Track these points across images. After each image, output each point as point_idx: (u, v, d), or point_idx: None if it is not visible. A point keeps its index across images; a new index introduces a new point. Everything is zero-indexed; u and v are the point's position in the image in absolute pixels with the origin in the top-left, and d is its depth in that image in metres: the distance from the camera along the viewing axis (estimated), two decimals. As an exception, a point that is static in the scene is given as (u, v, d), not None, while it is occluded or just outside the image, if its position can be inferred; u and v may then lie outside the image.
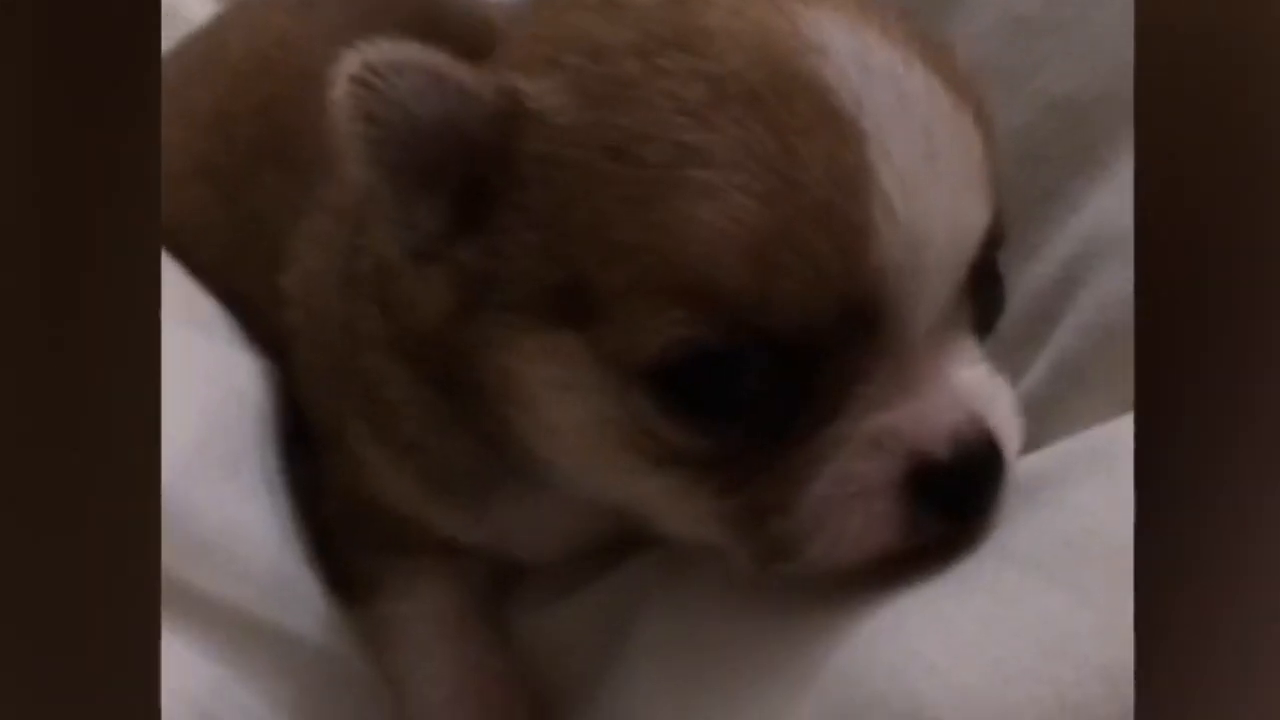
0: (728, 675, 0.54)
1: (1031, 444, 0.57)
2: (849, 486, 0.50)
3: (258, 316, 0.78)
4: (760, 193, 0.48)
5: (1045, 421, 0.59)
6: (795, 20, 0.51)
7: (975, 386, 0.52)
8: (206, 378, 0.69)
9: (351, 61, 0.51)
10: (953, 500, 0.51)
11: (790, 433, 0.51)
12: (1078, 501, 0.50)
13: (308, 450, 0.73)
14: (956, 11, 0.75)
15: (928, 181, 0.50)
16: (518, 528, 0.66)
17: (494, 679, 0.67)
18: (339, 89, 0.51)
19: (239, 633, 0.63)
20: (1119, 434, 0.53)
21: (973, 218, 0.52)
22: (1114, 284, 0.60)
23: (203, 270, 0.82)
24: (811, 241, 0.48)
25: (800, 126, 0.49)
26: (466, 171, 0.53)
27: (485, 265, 0.54)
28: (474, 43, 0.59)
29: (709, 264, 0.48)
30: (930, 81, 0.51)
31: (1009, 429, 0.53)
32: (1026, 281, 0.67)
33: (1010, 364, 0.64)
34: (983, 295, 0.55)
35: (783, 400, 0.50)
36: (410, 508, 0.67)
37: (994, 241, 0.54)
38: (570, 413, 0.54)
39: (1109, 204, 0.64)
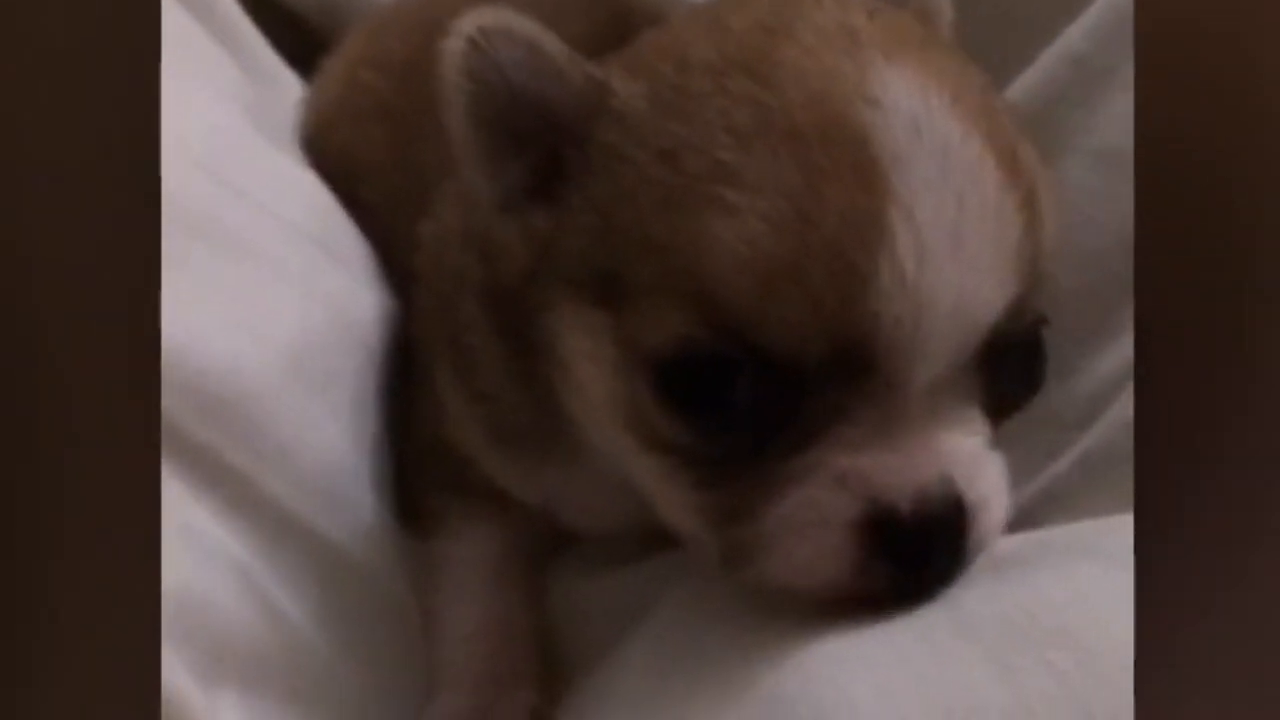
0: (685, 677, 0.57)
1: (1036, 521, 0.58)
2: (807, 513, 0.53)
3: (399, 259, 0.84)
4: (776, 221, 0.51)
5: (1053, 518, 0.60)
6: (864, 69, 0.54)
7: (960, 454, 0.54)
8: (323, 299, 0.76)
9: (468, 21, 0.58)
10: (906, 555, 0.53)
11: (770, 449, 0.54)
12: (1036, 584, 0.51)
13: (408, 390, 0.79)
14: (1090, 102, 0.75)
15: (944, 250, 0.52)
16: (565, 494, 0.72)
17: (514, 629, 0.72)
18: (452, 44, 0.58)
19: (285, 531, 0.68)
20: (1105, 530, 0.54)
21: (988, 295, 0.53)
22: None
23: (367, 207, 0.89)
24: (813, 277, 0.51)
25: (830, 169, 0.52)
26: (549, 145, 0.59)
27: (552, 234, 0.59)
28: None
29: (720, 277, 0.52)
30: (983, 158, 0.53)
31: (990, 503, 0.55)
32: (1100, 362, 0.67)
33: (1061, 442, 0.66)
34: (1004, 372, 0.56)
35: (768, 417, 0.54)
36: (475, 454, 0.73)
37: (1018, 322, 0.55)
38: (594, 384, 0.59)
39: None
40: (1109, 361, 0.67)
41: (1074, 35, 0.80)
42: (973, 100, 0.55)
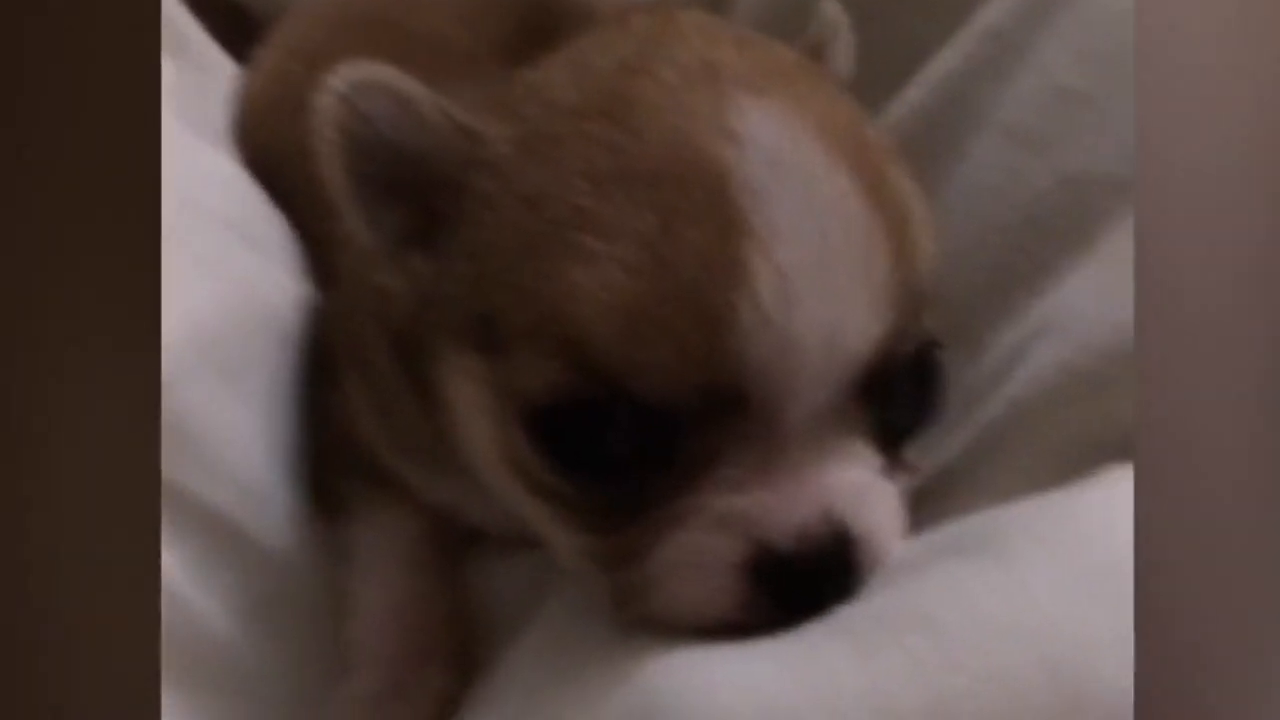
0: (568, 669, 0.57)
1: (939, 513, 0.59)
2: (690, 556, 0.53)
3: (324, 255, 0.84)
4: (633, 266, 0.51)
5: (955, 494, 0.60)
6: (722, 105, 0.54)
7: (844, 487, 0.54)
8: (238, 284, 0.76)
9: (338, 76, 0.58)
10: (790, 593, 0.53)
11: (651, 493, 0.54)
12: (912, 585, 0.51)
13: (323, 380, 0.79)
14: (1002, 75, 0.75)
15: (809, 285, 0.51)
16: (469, 502, 0.72)
17: (427, 609, 0.72)
18: (323, 98, 0.58)
19: (207, 532, 0.69)
20: (987, 524, 0.54)
21: (860, 328, 0.53)
22: (1044, 360, 0.60)
23: (292, 200, 0.89)
24: (674, 321, 0.51)
25: (687, 210, 0.51)
26: (425, 195, 0.59)
27: (433, 281, 0.60)
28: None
29: (584, 325, 0.52)
30: (848, 188, 0.53)
31: (879, 533, 0.55)
32: (997, 351, 0.67)
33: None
34: (894, 400, 0.56)
35: (646, 462, 0.54)
36: (381, 455, 0.74)
37: (901, 350, 0.55)
38: (478, 431, 0.59)
39: (1077, 283, 0.63)
40: (1010, 336, 0.66)
41: (993, 10, 0.79)
42: (839, 130, 0.55)
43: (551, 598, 0.66)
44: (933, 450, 0.66)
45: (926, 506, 0.61)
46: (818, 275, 0.51)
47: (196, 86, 0.98)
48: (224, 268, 0.75)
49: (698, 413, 0.52)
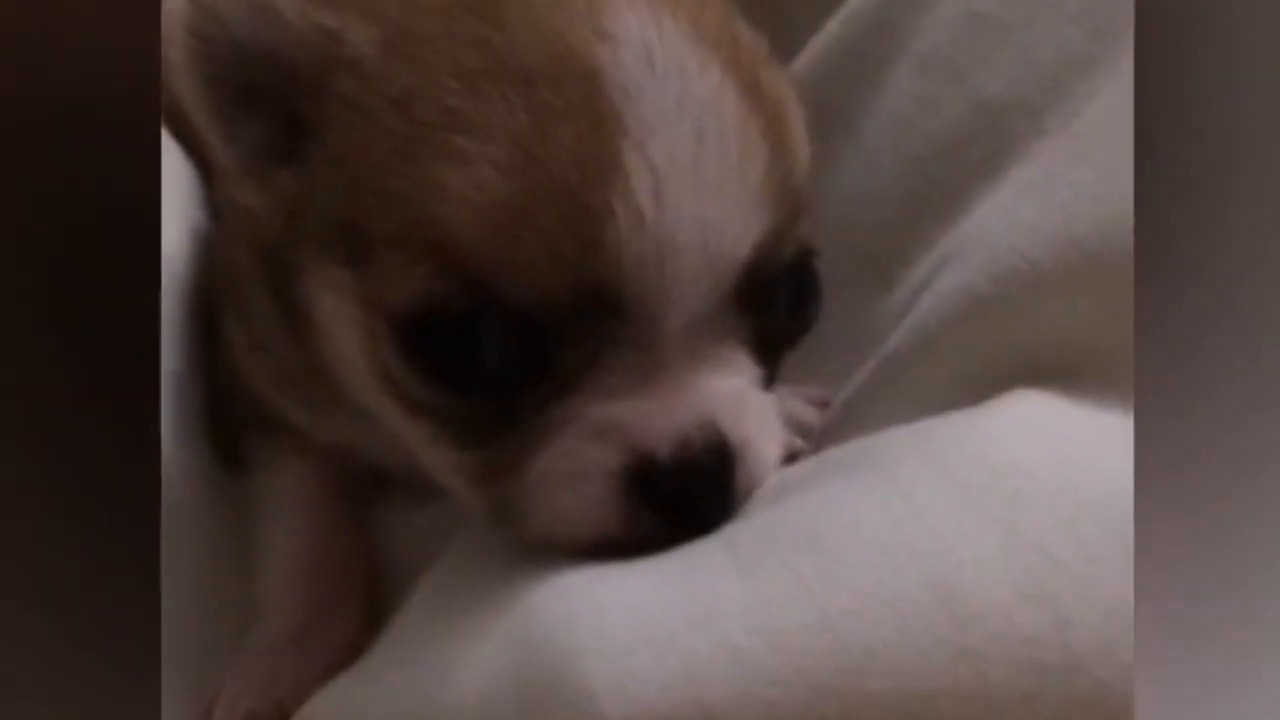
0: (460, 598, 0.56)
1: (843, 439, 0.57)
2: (567, 464, 0.52)
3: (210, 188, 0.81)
4: (505, 166, 0.50)
5: (857, 425, 0.59)
6: (597, 4, 0.52)
7: (723, 396, 0.53)
8: None
9: None
10: (670, 502, 0.51)
11: (526, 403, 0.52)
12: (799, 502, 0.50)
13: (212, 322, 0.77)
14: (920, 5, 0.73)
15: (684, 184, 0.50)
16: (358, 440, 0.70)
17: (333, 555, 0.71)
18: (175, 3, 0.55)
19: None
20: (878, 443, 0.53)
21: (737, 229, 0.52)
22: (946, 285, 0.59)
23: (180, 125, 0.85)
24: (545, 220, 0.49)
25: (560, 108, 0.50)
26: (286, 100, 0.56)
27: (297, 193, 0.57)
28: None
29: (454, 227, 0.50)
30: (722, 87, 0.52)
31: (757, 443, 0.54)
32: (908, 285, 0.66)
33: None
34: (772, 308, 0.55)
35: (519, 370, 0.52)
36: (265, 396, 0.71)
37: (779, 255, 0.54)
38: (347, 348, 0.57)
39: (983, 211, 0.62)
40: (921, 269, 0.65)
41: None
42: (712, 28, 0.53)
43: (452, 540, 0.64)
44: (842, 385, 0.64)
45: (831, 440, 0.60)
46: (693, 173, 0.50)
47: None
48: None
49: (572, 317, 0.51)
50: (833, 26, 0.80)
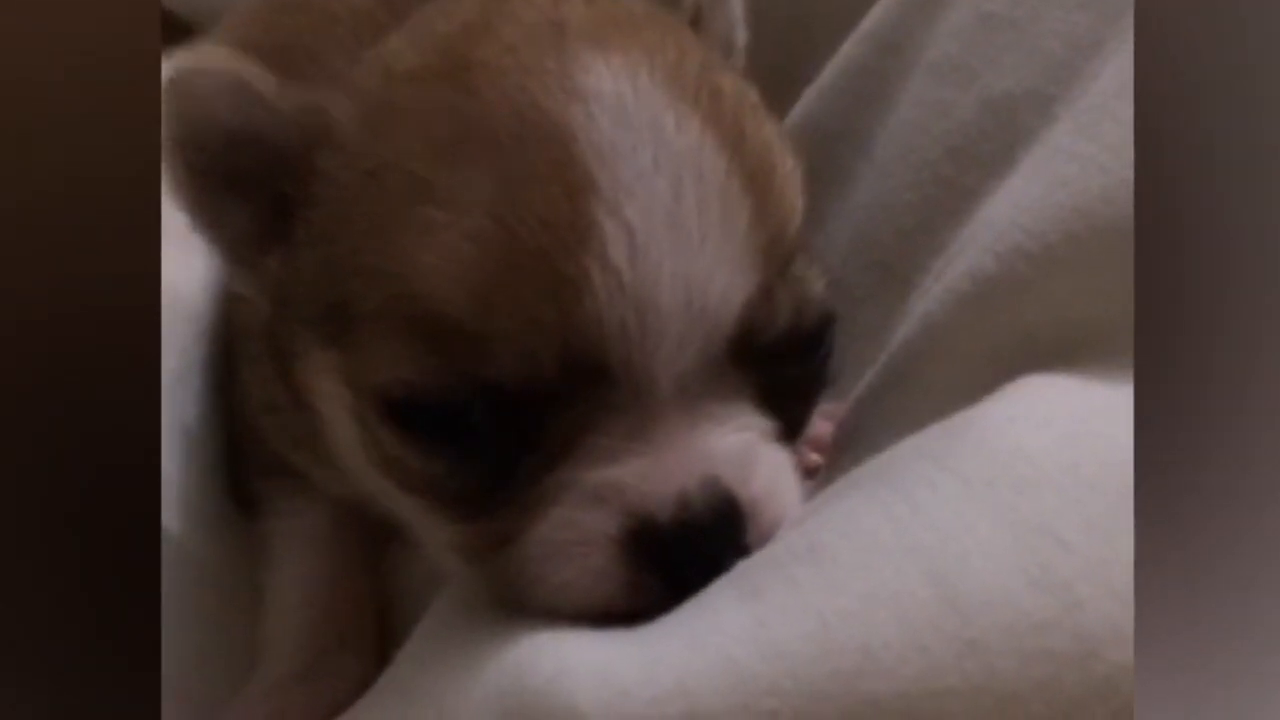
0: (453, 635, 0.54)
1: (848, 448, 0.55)
2: (566, 533, 0.49)
3: None
4: (475, 235, 0.48)
5: (868, 417, 0.57)
6: (567, 62, 0.51)
7: (726, 453, 0.50)
8: None
9: (169, 66, 0.54)
10: (673, 565, 0.49)
11: (521, 472, 0.50)
12: (807, 522, 0.48)
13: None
14: (930, 15, 0.72)
15: (663, 243, 0.48)
16: (368, 498, 0.68)
17: (342, 600, 0.69)
18: (164, 91, 0.54)
19: None
20: (885, 456, 0.50)
21: (722, 285, 0.50)
22: (956, 272, 0.56)
23: None
24: (522, 289, 0.48)
25: (530, 173, 0.48)
26: (272, 183, 0.55)
27: (284, 275, 0.56)
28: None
29: (433, 300, 0.49)
30: (702, 141, 0.50)
31: (773, 498, 0.51)
32: (923, 288, 0.63)
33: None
34: (783, 364, 0.53)
35: (513, 438, 0.50)
36: (280, 450, 0.70)
37: (778, 311, 0.52)
38: (340, 427, 0.56)
39: (994, 202, 0.59)
40: (934, 274, 0.62)
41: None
42: (692, 80, 0.52)
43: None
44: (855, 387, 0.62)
45: (844, 442, 0.58)
46: (671, 232, 0.48)
47: None
48: None
49: (559, 385, 0.49)
50: (846, 48, 0.79)
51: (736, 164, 0.50)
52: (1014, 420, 0.46)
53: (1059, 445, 0.44)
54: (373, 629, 0.68)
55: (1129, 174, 0.47)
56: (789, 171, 0.54)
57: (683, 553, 0.49)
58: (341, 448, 0.57)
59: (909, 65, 0.73)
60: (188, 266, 0.77)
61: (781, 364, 0.53)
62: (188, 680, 0.65)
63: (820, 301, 0.55)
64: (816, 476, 0.59)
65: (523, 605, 0.50)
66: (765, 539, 0.50)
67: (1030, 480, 0.43)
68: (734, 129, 0.52)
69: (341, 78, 0.57)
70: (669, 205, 0.48)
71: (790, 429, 0.55)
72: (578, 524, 0.49)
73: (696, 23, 0.64)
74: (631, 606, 0.49)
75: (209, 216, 0.57)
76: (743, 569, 0.47)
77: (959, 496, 0.44)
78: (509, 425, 0.50)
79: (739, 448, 0.51)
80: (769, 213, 0.51)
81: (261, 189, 0.56)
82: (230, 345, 0.75)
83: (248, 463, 0.74)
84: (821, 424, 0.64)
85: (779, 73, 0.86)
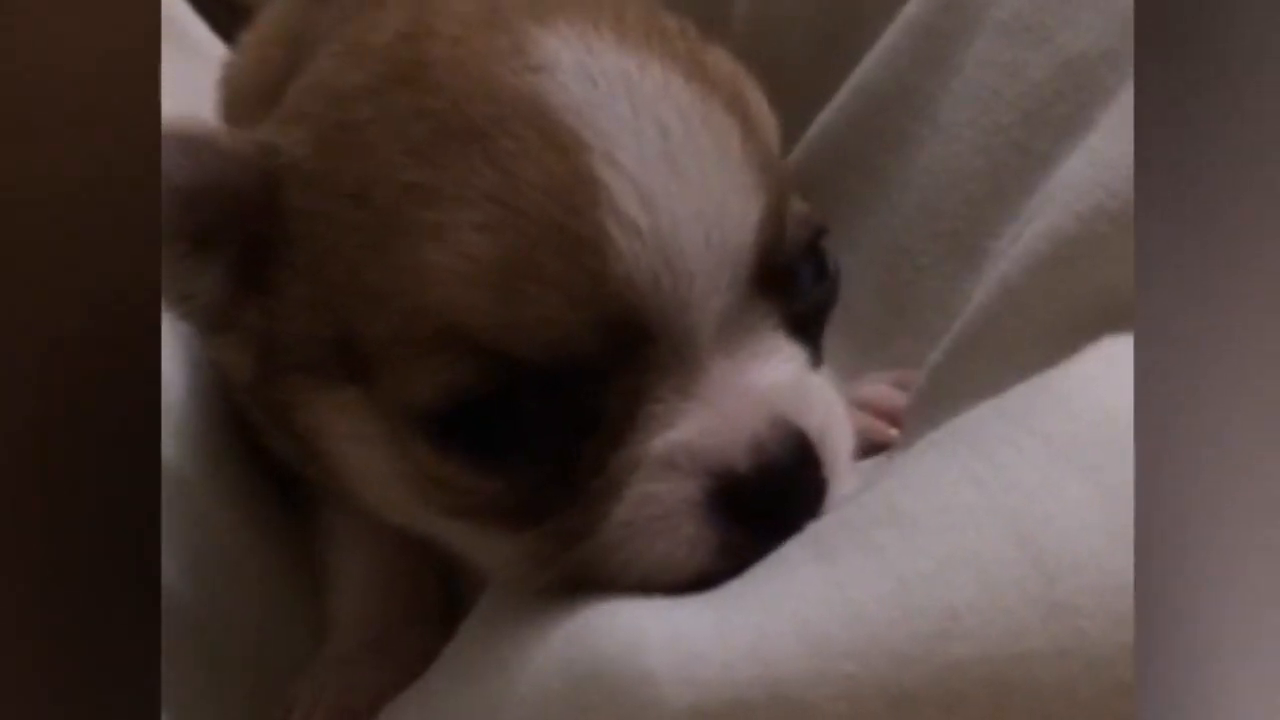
0: (519, 608, 0.53)
1: (925, 416, 0.53)
2: (647, 509, 0.49)
3: None
4: (484, 225, 0.47)
5: (941, 384, 0.55)
6: (518, 39, 0.51)
7: (782, 388, 0.50)
8: None
9: None
10: (764, 513, 0.48)
11: (582, 460, 0.49)
12: (885, 484, 0.47)
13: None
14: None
15: (668, 183, 0.48)
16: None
17: (409, 569, 0.69)
18: None
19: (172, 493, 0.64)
20: (965, 418, 0.49)
21: (735, 210, 0.49)
22: (1034, 233, 0.54)
23: None
24: (545, 265, 0.47)
25: (519, 150, 0.48)
26: (241, 232, 0.54)
27: (269, 326, 0.55)
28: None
29: (453, 304, 0.48)
30: (668, 79, 0.50)
31: (832, 425, 0.50)
32: (1002, 242, 0.62)
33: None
34: (799, 287, 0.53)
35: (567, 428, 0.49)
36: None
37: (788, 231, 0.51)
38: (371, 465, 0.55)
39: (1072, 162, 0.58)
40: (1006, 240, 0.61)
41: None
42: (639, 28, 0.52)
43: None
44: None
45: (919, 410, 0.57)
46: (671, 172, 0.48)
47: (192, 73, 0.96)
48: None
49: (603, 357, 0.48)
50: (909, 9, 0.77)
51: (709, 91, 0.51)
52: (1095, 380, 0.45)
53: None
54: (438, 602, 0.68)
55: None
56: (756, 90, 0.54)
57: (769, 500, 0.48)
58: (370, 486, 0.56)
59: (973, 24, 0.71)
60: None
61: (798, 285, 0.53)
62: (237, 651, 0.65)
63: (810, 213, 0.54)
64: (890, 450, 0.58)
65: (611, 587, 0.49)
66: (839, 467, 0.50)
67: (1115, 439, 0.42)
68: (694, 61, 0.52)
69: (283, 109, 0.56)
70: (661, 146, 0.48)
71: (813, 357, 0.55)
72: (658, 497, 0.49)
73: None
74: (728, 567, 0.48)
75: (180, 287, 0.56)
76: (817, 531, 0.47)
77: (1043, 457, 0.43)
78: (561, 413, 0.49)
79: (790, 380, 0.51)
80: (755, 132, 0.52)
81: (231, 238, 0.55)
82: None
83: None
84: (895, 394, 0.63)
85: (829, 44, 0.85)
